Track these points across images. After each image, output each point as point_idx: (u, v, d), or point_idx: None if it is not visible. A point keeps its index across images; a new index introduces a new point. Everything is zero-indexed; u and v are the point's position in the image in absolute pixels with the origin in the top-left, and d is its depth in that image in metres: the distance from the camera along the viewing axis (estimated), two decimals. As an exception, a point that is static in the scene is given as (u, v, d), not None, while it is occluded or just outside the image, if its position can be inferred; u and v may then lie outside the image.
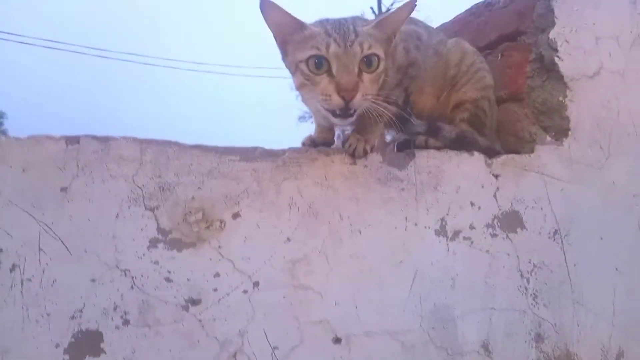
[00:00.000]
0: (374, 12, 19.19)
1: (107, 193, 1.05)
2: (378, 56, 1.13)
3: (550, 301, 1.41)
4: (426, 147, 1.35)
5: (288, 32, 1.16)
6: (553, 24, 1.52)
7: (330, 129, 1.44)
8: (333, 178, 1.23)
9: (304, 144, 1.40)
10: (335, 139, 1.46)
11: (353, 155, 1.25)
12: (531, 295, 1.40)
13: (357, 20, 1.21)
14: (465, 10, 1.80)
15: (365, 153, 1.25)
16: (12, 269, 0.98)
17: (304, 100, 1.24)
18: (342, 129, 1.43)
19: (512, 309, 1.36)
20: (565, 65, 1.51)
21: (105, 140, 1.06)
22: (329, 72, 1.11)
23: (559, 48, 1.51)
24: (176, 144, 1.12)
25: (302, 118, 18.58)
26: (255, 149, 1.18)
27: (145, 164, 1.08)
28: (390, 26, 1.19)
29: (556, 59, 1.50)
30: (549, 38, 1.51)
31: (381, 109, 1.14)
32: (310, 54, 1.11)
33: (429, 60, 1.43)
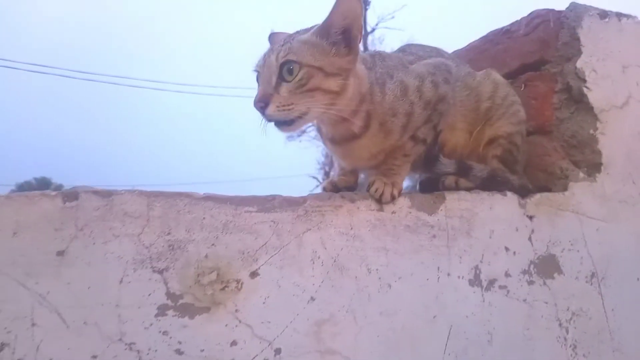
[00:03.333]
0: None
1: (110, 255, 0.92)
2: (298, 62, 1.05)
3: (590, 351, 1.31)
4: (456, 188, 1.25)
5: None
6: (579, 52, 1.45)
7: (353, 172, 1.33)
8: (359, 227, 1.12)
9: (324, 189, 1.28)
10: (365, 184, 1.34)
11: (380, 201, 1.14)
12: (570, 346, 1.29)
13: (307, 31, 1.12)
14: (481, 37, 1.72)
15: (393, 198, 1.15)
16: (1, 348, 0.85)
17: None
18: (366, 172, 1.32)
19: (552, 362, 1.25)
20: (594, 95, 1.43)
21: (107, 195, 0.94)
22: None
23: (587, 78, 1.44)
24: (187, 195, 1.00)
25: (290, 137, 18.54)
26: (274, 197, 1.07)
27: (153, 220, 0.96)
28: (335, 26, 1.09)
29: (585, 89, 1.43)
30: (576, 67, 1.44)
31: (326, 115, 1.10)
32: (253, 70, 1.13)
33: (459, 94, 1.33)
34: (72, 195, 0.92)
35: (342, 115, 1.11)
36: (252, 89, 1.12)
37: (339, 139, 1.20)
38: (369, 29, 19.39)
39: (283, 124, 1.08)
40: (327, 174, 17.68)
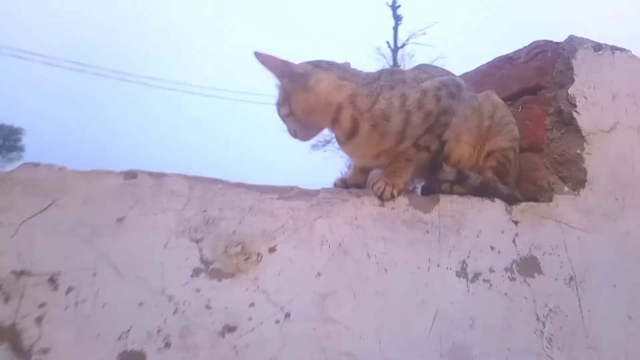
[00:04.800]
0: (389, 46, 19.53)
1: (158, 225, 1.14)
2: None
3: (564, 345, 1.47)
4: (451, 193, 1.43)
5: None
6: (572, 80, 1.62)
7: (363, 172, 1.54)
8: (362, 218, 1.31)
9: (335, 184, 1.50)
10: (368, 182, 1.55)
11: (381, 198, 1.34)
12: (546, 338, 1.45)
13: None
14: (488, 62, 1.91)
15: (393, 196, 1.34)
16: (68, 291, 1.07)
17: None
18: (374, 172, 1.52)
19: (528, 351, 1.42)
20: (583, 119, 1.60)
21: (159, 176, 1.17)
22: None
23: (577, 103, 1.61)
24: (221, 181, 1.22)
25: (315, 147, 18.71)
26: (292, 188, 1.28)
27: (193, 199, 1.18)
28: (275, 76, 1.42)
29: (574, 113, 1.60)
30: (567, 94, 1.61)
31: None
32: None
33: (463, 111, 1.50)
34: (131, 174, 1.15)
35: (319, 120, 1.45)
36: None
37: (342, 138, 1.42)
38: (399, 44, 19.59)
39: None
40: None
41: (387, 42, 19.51)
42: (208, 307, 1.15)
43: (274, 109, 1.45)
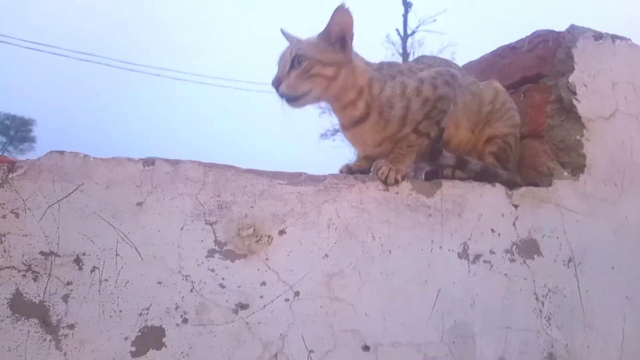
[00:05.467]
0: (399, 33, 19.43)
1: (175, 208, 1.22)
2: (304, 56, 1.40)
3: (562, 324, 1.53)
4: (452, 178, 1.50)
5: None
6: (572, 69, 1.67)
7: (367, 159, 1.60)
8: (367, 202, 1.38)
9: (341, 171, 1.57)
10: (372, 168, 1.61)
11: (385, 182, 1.40)
12: (545, 317, 1.51)
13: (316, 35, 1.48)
14: (491, 52, 1.96)
15: (397, 181, 1.41)
16: (93, 270, 1.15)
17: None
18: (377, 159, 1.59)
19: (527, 329, 1.48)
20: (583, 107, 1.65)
21: (175, 163, 1.24)
22: None
23: (577, 91, 1.66)
24: (233, 167, 1.29)
25: (324, 135, 18.66)
26: (300, 174, 1.35)
27: (207, 185, 1.25)
28: (332, 33, 1.43)
29: (574, 101, 1.65)
30: (568, 82, 1.66)
31: (319, 90, 1.43)
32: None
33: (463, 98, 1.59)
34: (150, 161, 1.23)
35: (340, 100, 1.47)
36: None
37: (348, 124, 1.50)
38: (409, 31, 19.48)
39: (292, 100, 1.42)
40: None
41: (397, 30, 19.43)
42: (222, 286, 1.22)
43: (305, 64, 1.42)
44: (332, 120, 17.18)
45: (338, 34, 1.43)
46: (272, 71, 1.45)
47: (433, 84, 1.49)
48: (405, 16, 19.44)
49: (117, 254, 1.17)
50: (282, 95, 1.42)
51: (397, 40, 19.36)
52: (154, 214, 1.20)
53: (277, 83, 1.41)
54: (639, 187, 1.69)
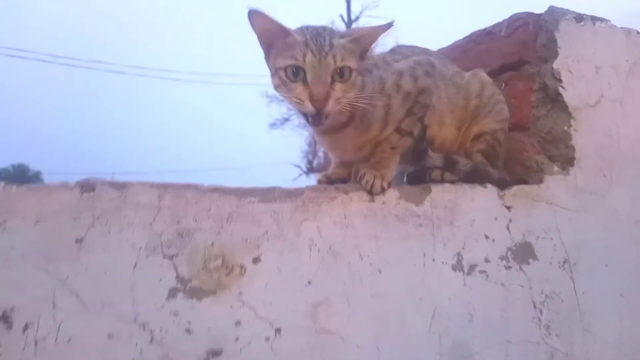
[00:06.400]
0: (343, 20, 19.30)
1: (124, 242, 1.01)
2: (350, 68, 1.19)
3: (561, 331, 1.42)
4: (442, 181, 1.34)
5: (273, 37, 1.22)
6: (556, 54, 1.55)
7: (345, 165, 1.43)
8: (352, 216, 1.21)
9: (319, 181, 1.38)
10: (353, 175, 1.43)
11: (371, 192, 1.24)
12: (544, 326, 1.40)
13: (333, 32, 1.24)
14: (464, 37, 1.81)
15: (383, 189, 1.25)
16: (25, 328, 0.93)
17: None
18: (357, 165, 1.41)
19: (527, 340, 1.36)
20: (569, 95, 1.54)
21: (121, 186, 1.02)
22: (304, 80, 1.17)
23: (562, 78, 1.54)
24: (195, 187, 1.08)
25: (273, 125, 18.45)
26: (274, 189, 1.16)
27: (163, 210, 1.04)
28: (364, 42, 1.25)
29: (560, 89, 1.53)
30: (552, 68, 1.54)
31: (360, 103, 1.21)
32: (288, 63, 1.17)
33: (446, 91, 1.43)
34: (88, 186, 1.00)
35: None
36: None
37: (329, 130, 1.30)
38: (353, 17, 19.39)
39: (320, 122, 1.19)
40: (310, 163, 17.78)
41: (341, 16, 19.24)
42: (189, 332, 1.03)
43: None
44: (280, 110, 16.96)
45: (368, 45, 1.25)
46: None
47: (413, 76, 1.33)
48: (348, 2, 19.31)
49: (54, 305, 0.96)
50: (322, 114, 1.17)
51: (342, 26, 19.23)
52: (99, 251, 0.99)
53: (323, 103, 1.15)
54: (628, 176, 1.59)
